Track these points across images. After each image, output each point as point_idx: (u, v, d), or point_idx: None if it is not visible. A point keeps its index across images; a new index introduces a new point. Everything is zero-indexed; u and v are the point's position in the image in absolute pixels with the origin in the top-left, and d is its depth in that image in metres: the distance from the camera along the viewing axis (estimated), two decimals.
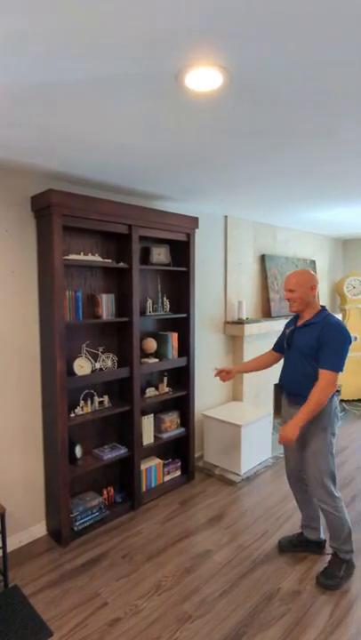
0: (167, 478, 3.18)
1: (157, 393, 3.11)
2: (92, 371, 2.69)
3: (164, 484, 3.13)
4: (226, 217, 3.81)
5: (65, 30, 1.08)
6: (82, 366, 2.61)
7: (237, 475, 3.31)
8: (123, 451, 2.82)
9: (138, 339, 2.81)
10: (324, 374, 2.04)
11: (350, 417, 4.84)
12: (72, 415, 2.58)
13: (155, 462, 3.09)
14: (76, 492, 2.76)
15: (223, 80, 1.34)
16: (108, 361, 2.80)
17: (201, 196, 3.05)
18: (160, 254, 3.04)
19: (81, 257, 2.58)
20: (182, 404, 3.28)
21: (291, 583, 2.17)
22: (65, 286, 2.60)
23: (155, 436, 3.09)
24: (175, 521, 2.76)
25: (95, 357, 2.79)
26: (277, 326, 4.04)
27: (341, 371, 2.04)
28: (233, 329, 3.78)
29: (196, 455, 3.66)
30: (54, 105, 1.53)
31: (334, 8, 1.00)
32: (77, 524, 2.57)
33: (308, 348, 2.12)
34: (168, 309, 3.21)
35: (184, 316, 3.18)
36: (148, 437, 2.99)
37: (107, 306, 2.71)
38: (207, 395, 3.75)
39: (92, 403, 2.72)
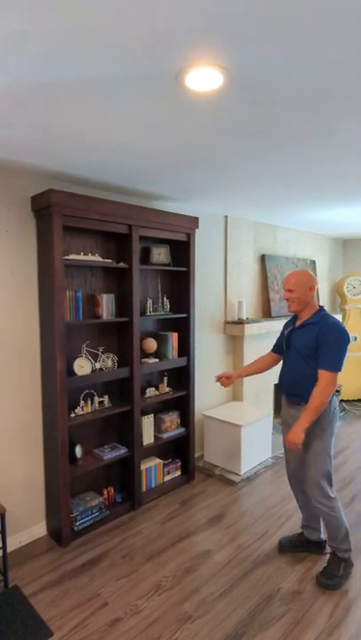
0: (167, 478, 3.18)
1: (157, 393, 3.11)
2: (93, 371, 2.69)
3: (164, 484, 3.13)
4: (226, 217, 3.81)
5: (65, 30, 1.08)
6: (82, 366, 2.61)
7: (237, 475, 3.31)
8: (123, 451, 2.82)
9: (138, 339, 2.81)
10: (323, 375, 2.04)
11: (350, 417, 4.84)
12: (72, 415, 2.58)
13: (155, 462, 3.09)
14: (76, 491, 2.76)
15: (223, 80, 1.34)
16: (108, 361, 2.80)
17: (201, 196, 3.05)
18: (160, 254, 3.04)
19: (81, 257, 2.58)
20: (182, 403, 3.28)
21: (291, 583, 2.18)
22: (65, 286, 2.60)
23: (155, 436, 3.09)
24: (175, 521, 2.76)
25: (95, 357, 2.79)
26: (277, 326, 4.04)
27: (340, 370, 2.05)
28: (233, 329, 3.78)
29: (197, 455, 3.66)
30: (54, 105, 1.53)
31: (334, 8, 1.00)
32: (77, 524, 2.57)
33: (306, 348, 2.12)
34: (168, 309, 3.21)
35: (184, 316, 3.18)
36: (148, 437, 2.99)
37: (107, 306, 2.71)
38: (207, 395, 3.75)
39: (92, 403, 2.72)
